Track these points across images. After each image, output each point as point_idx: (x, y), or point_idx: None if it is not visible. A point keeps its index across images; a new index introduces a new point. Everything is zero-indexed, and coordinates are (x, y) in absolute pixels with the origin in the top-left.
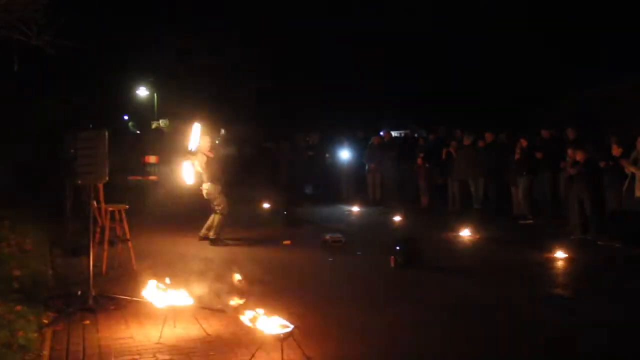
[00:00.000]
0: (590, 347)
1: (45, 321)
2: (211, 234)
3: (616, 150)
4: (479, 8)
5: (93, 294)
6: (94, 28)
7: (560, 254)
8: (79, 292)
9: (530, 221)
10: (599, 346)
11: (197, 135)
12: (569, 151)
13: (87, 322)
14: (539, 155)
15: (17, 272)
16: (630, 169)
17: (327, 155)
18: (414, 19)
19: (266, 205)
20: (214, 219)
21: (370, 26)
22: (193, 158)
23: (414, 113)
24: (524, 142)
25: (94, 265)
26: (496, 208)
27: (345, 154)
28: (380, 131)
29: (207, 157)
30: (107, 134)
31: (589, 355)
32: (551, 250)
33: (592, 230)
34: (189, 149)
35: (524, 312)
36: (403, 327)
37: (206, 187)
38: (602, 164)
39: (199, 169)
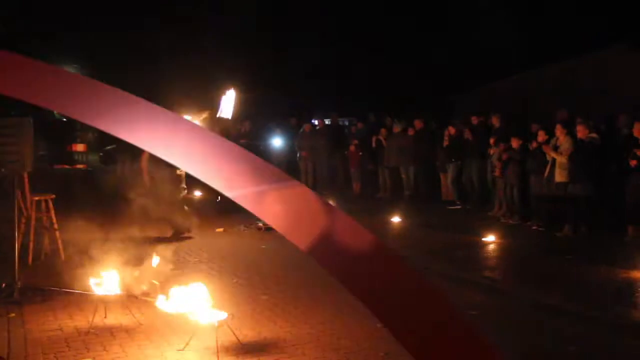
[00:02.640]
0: (518, 327)
1: None
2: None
3: (542, 137)
4: None
5: (19, 285)
6: (22, 11)
7: (487, 238)
8: (4, 285)
9: (459, 207)
10: (527, 324)
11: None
12: (495, 138)
13: (13, 315)
14: (468, 135)
15: None
16: (551, 155)
17: (258, 143)
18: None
19: (198, 193)
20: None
21: (304, 10)
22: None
23: (346, 101)
24: (452, 130)
25: (19, 257)
26: (426, 194)
27: (277, 142)
28: (312, 119)
29: None
30: (31, 121)
31: (516, 334)
32: (479, 234)
33: (518, 214)
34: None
35: (452, 294)
36: (338, 311)
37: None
38: (533, 145)
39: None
